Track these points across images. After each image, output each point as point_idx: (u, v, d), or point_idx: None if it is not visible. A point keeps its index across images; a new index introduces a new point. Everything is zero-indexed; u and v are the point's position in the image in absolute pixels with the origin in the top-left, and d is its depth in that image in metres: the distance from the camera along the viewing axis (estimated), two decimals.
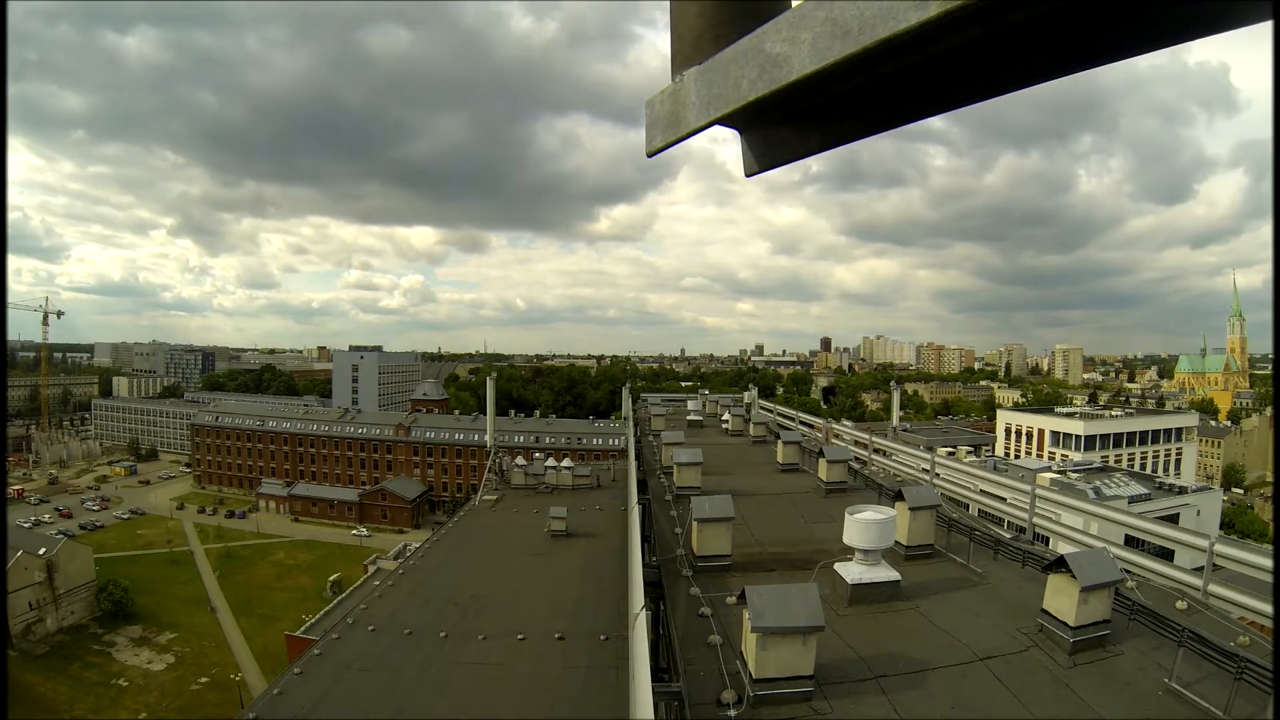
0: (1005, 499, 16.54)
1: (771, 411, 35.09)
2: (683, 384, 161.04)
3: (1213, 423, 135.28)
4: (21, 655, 52.43)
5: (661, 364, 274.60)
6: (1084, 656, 8.57)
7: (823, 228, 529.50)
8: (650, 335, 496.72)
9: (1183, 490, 51.28)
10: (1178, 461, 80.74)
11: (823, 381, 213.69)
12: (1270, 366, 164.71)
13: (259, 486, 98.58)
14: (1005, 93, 1.33)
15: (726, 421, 30.63)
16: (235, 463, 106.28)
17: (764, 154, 1.76)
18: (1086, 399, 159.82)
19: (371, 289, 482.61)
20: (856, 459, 21.43)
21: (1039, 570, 10.33)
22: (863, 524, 10.46)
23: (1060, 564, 8.91)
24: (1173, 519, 38.26)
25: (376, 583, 24.26)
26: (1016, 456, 77.73)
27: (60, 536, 64.22)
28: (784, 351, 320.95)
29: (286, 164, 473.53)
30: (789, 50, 1.21)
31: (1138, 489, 48.90)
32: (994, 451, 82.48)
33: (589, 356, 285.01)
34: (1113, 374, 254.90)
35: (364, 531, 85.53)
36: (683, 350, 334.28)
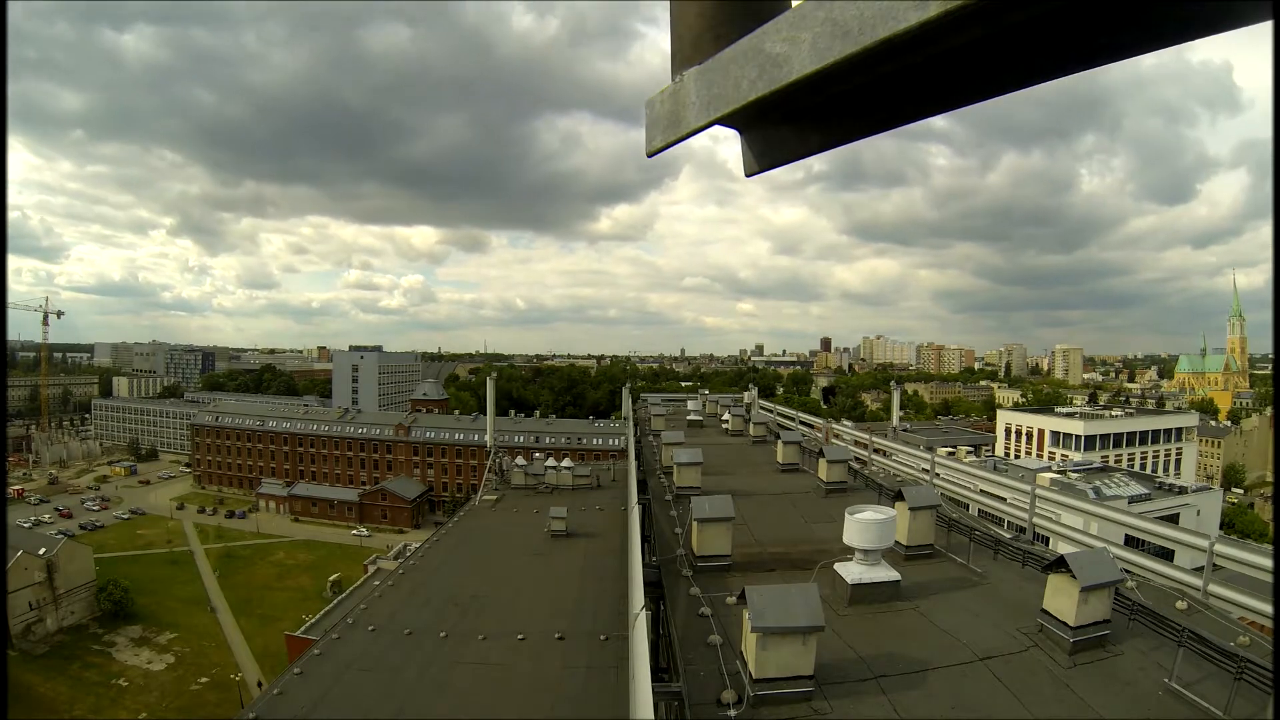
0: (1005, 499, 16.54)
1: (771, 411, 35.09)
2: (683, 384, 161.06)
3: (1213, 423, 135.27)
4: (21, 655, 52.43)
5: (661, 364, 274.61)
6: (1084, 656, 8.57)
7: (824, 227, 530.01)
8: (650, 335, 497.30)
9: (1183, 490, 51.30)
10: (1178, 461, 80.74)
11: (823, 381, 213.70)
12: (1270, 366, 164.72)
13: (259, 486, 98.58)
14: (1005, 93, 1.33)
15: (726, 421, 30.63)
16: (235, 463, 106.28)
17: (764, 154, 1.76)
18: (1086, 399, 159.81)
19: (371, 289, 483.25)
20: (856, 459, 21.43)
21: (1039, 570, 10.33)
22: (863, 524, 10.46)
23: (1060, 564, 8.91)
24: (1173, 519, 38.26)
25: (376, 583, 24.26)
26: (1016, 456, 77.73)
27: (60, 536, 64.22)
28: (784, 351, 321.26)
29: (286, 163, 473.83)
30: (789, 50, 1.21)
31: (1138, 489, 48.90)
32: (994, 451, 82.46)
33: (589, 356, 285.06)
34: (1113, 374, 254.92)
35: (364, 531, 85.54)
36: (683, 350, 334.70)
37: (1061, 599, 8.88)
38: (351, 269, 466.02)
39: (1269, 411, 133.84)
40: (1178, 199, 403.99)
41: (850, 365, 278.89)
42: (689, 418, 33.37)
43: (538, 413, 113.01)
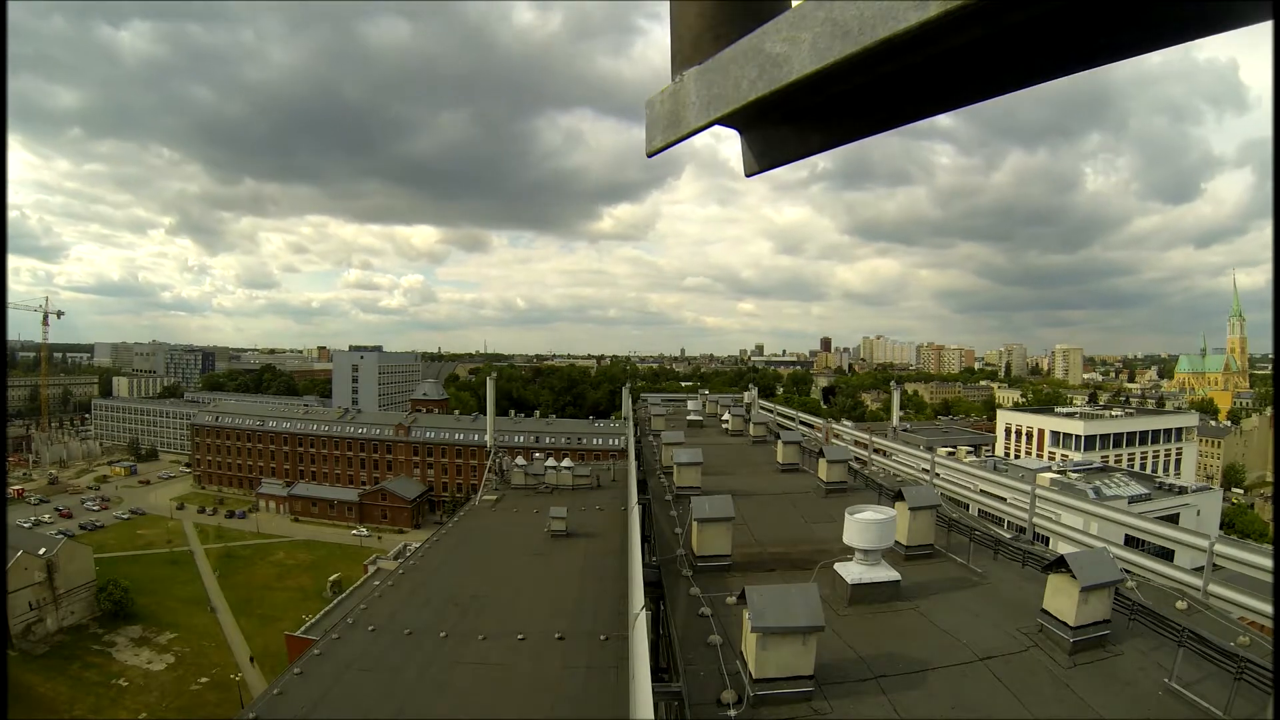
0: (1005, 499, 16.53)
1: (771, 411, 35.09)
2: (683, 384, 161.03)
3: (1213, 423, 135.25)
4: (21, 655, 52.43)
5: (661, 364, 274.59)
6: (1084, 656, 8.57)
7: (826, 226, 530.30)
8: (651, 335, 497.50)
9: (1183, 490, 51.28)
10: (1178, 461, 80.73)
11: (823, 381, 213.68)
12: (1270, 366, 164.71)
13: (259, 486, 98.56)
14: (1005, 93, 1.33)
15: (726, 421, 30.62)
16: (235, 463, 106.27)
17: (764, 154, 1.76)
18: (1086, 399, 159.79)
19: (371, 289, 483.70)
20: (856, 459, 21.43)
21: (1039, 570, 10.34)
22: (863, 524, 10.46)
23: (1060, 564, 8.91)
24: (1173, 519, 38.26)
25: (376, 583, 24.26)
26: (1016, 456, 77.71)
27: (60, 536, 64.20)
28: (784, 351, 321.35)
29: (286, 161, 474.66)
30: (789, 50, 1.20)
31: (1138, 489, 48.89)
32: (994, 451, 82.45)
33: (589, 356, 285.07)
34: (1113, 374, 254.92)
35: (364, 531, 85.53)
36: (683, 350, 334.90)
37: (1061, 599, 8.88)
38: (351, 269, 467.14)
39: (1269, 411, 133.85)
40: (1182, 198, 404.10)
41: (850, 365, 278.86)
42: (689, 418, 33.37)
43: (538, 413, 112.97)
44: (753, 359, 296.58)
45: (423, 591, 14.35)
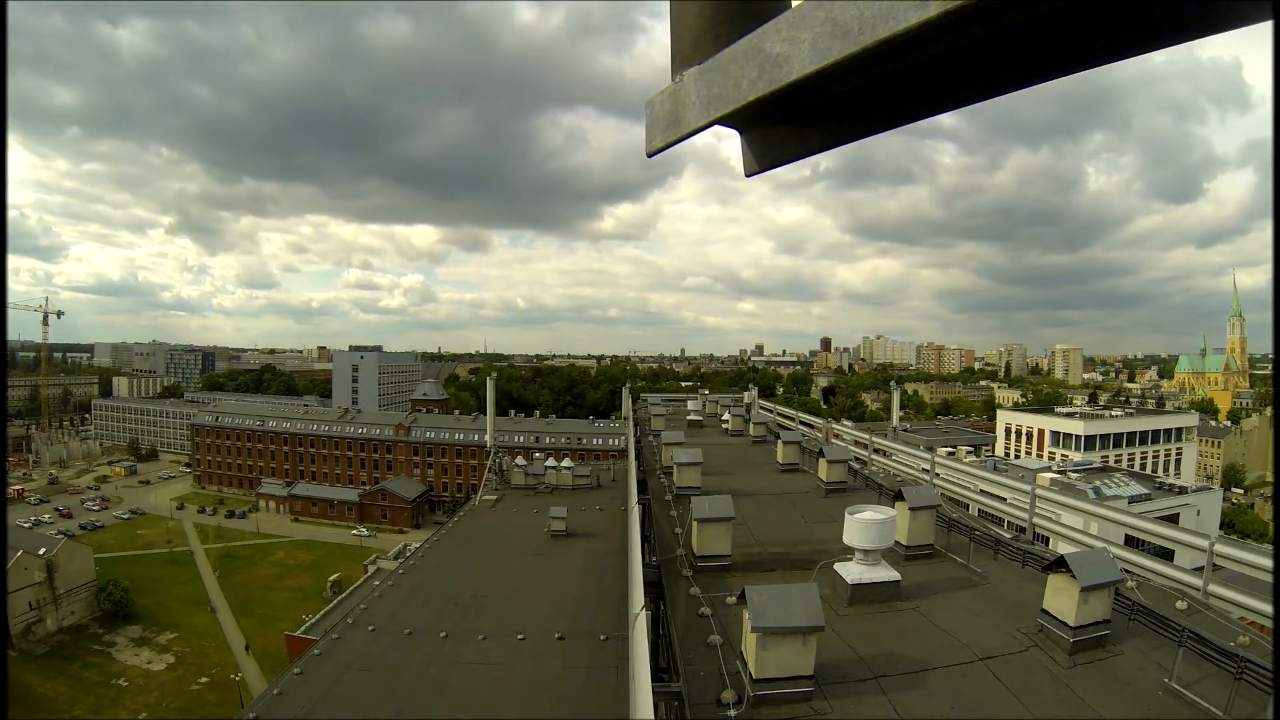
0: (1005, 499, 16.53)
1: (771, 411, 35.09)
2: (683, 384, 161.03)
3: (1213, 423, 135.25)
4: (21, 655, 52.42)
5: (661, 364, 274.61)
6: (1084, 656, 8.57)
7: (828, 226, 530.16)
8: (651, 335, 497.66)
9: (1183, 490, 51.28)
10: (1178, 461, 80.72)
11: (823, 381, 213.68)
12: (1270, 366, 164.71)
13: (259, 486, 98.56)
14: (1005, 92, 1.33)
15: (726, 421, 30.62)
16: (235, 463, 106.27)
17: (764, 154, 1.76)
18: (1086, 399, 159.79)
19: (371, 289, 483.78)
20: (856, 459, 21.43)
21: (1039, 570, 10.34)
22: (863, 524, 10.46)
23: (1060, 564, 8.91)
24: (1173, 519, 38.27)
25: (376, 583, 24.26)
26: (1016, 456, 77.71)
27: (60, 536, 64.19)
28: (784, 351, 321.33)
29: (286, 161, 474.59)
30: (789, 50, 1.20)
31: (1138, 489, 48.89)
32: (994, 451, 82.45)
33: (589, 356, 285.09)
34: (1113, 374, 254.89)
35: (364, 531, 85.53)
36: (683, 350, 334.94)
37: (1061, 599, 8.88)
38: (351, 268, 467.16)
39: (1269, 411, 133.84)
40: (1185, 198, 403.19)
41: (850, 365, 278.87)
42: (689, 418, 33.37)
43: (538, 413, 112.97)
44: (753, 359, 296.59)
45: (423, 591, 14.35)
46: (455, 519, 22.47)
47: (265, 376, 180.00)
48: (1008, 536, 13.43)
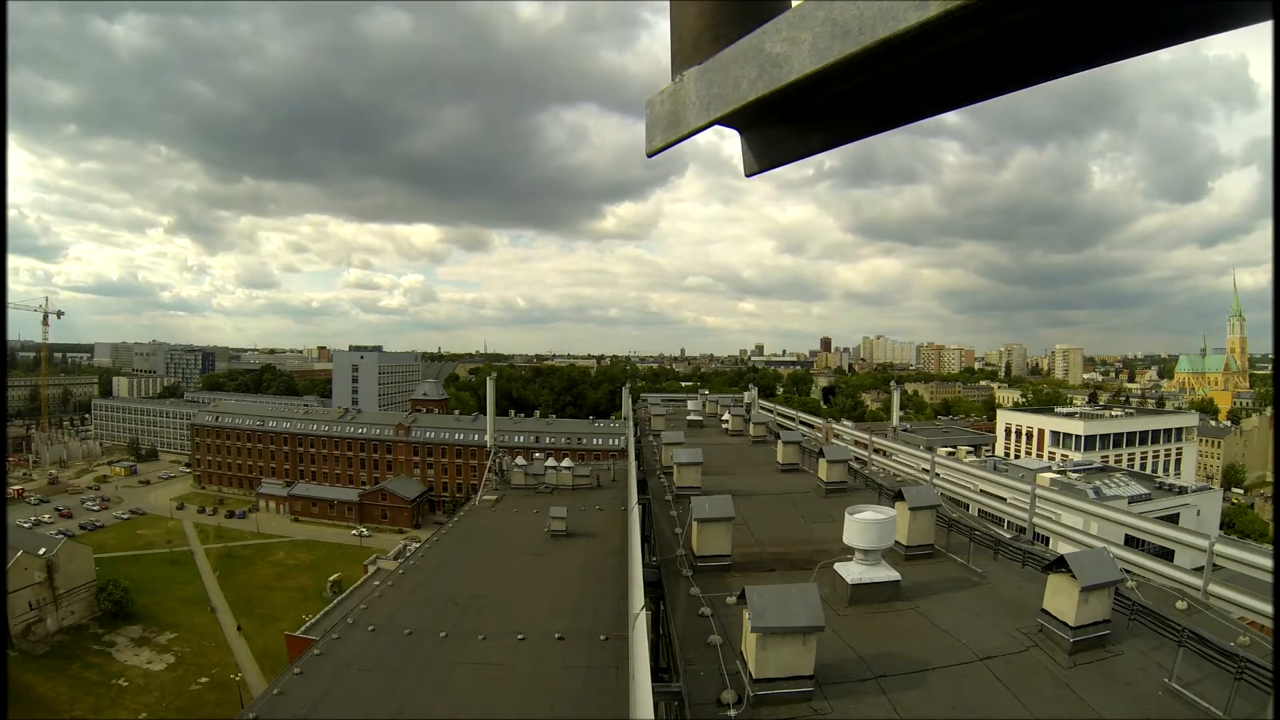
0: (1005, 499, 16.54)
1: (771, 411, 35.09)
2: (683, 384, 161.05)
3: (1213, 423, 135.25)
4: (21, 655, 52.43)
5: (661, 364, 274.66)
6: (1084, 656, 8.57)
7: (830, 225, 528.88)
8: (651, 335, 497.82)
9: (1183, 490, 51.29)
10: (1178, 461, 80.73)
11: (823, 381, 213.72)
12: (1270, 366, 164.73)
13: (259, 486, 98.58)
14: (1005, 92, 1.33)
15: (726, 421, 30.63)
16: (235, 463, 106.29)
17: (764, 154, 1.76)
18: (1086, 399, 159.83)
19: (371, 288, 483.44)
20: (856, 459, 21.43)
21: (1039, 570, 10.34)
22: (863, 524, 10.46)
23: (1060, 564, 8.91)
24: (1173, 519, 38.27)
25: (376, 583, 24.27)
26: (1016, 456, 77.72)
27: (60, 536, 64.21)
28: (784, 351, 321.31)
29: (285, 159, 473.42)
30: (789, 50, 1.21)
31: (1138, 489, 48.90)
32: (994, 451, 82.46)
33: (589, 356, 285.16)
34: (1113, 374, 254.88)
35: (364, 531, 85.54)
36: (683, 350, 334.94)
37: (1061, 599, 8.88)
38: (351, 268, 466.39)
39: (1269, 411, 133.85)
40: (1189, 197, 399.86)
41: (850, 365, 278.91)
42: (689, 418, 33.37)
43: (538, 413, 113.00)
44: (753, 359, 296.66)
45: (423, 591, 14.35)
46: (455, 519, 22.48)
47: (265, 376, 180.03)
48: (1008, 536, 13.43)
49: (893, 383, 38.25)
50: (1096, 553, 9.51)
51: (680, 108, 1.54)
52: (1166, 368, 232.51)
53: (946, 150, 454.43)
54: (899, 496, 12.76)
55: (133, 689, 50.30)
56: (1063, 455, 72.42)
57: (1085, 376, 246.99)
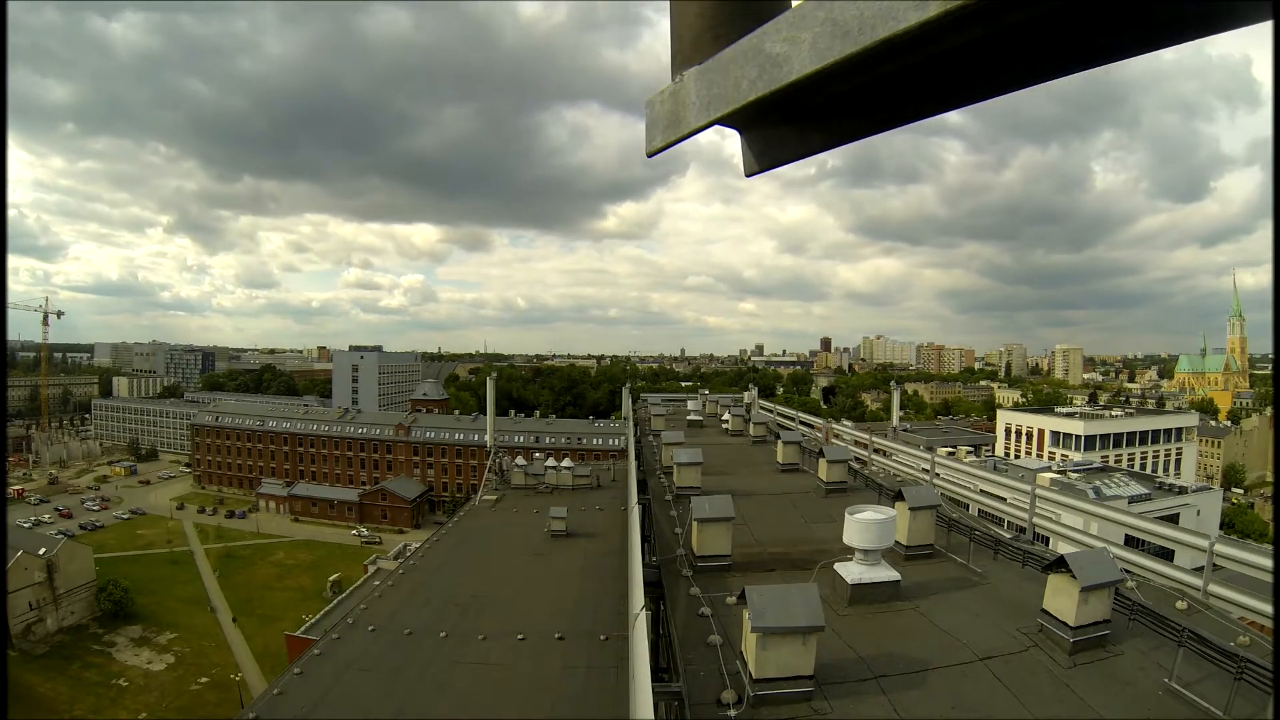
0: (1005, 499, 16.54)
1: (771, 411, 35.10)
2: (683, 384, 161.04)
3: (1213, 423, 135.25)
4: (21, 655, 52.43)
5: (661, 364, 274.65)
6: (1084, 656, 8.57)
7: (831, 225, 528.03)
8: (651, 335, 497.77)
9: (1183, 490, 51.29)
10: (1178, 461, 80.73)
11: (823, 381, 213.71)
12: (1270, 366, 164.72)
13: (259, 486, 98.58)
14: (1005, 92, 1.33)
15: (726, 421, 30.63)
16: (235, 463, 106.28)
17: (764, 154, 1.76)
18: (1086, 399, 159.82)
19: (372, 288, 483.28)
20: (856, 459, 21.43)
21: (1039, 570, 10.34)
22: (863, 524, 10.46)
23: (1060, 564, 8.91)
24: (1173, 519, 38.27)
25: (376, 583, 24.27)
26: (1016, 456, 77.72)
27: (60, 536, 64.21)
28: (784, 351, 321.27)
29: (285, 158, 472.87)
30: (789, 50, 1.21)
31: (1138, 489, 48.90)
32: (994, 451, 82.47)
33: (589, 356, 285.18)
34: (1113, 374, 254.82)
35: (364, 531, 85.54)
36: (683, 350, 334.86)
37: (1061, 599, 8.88)
38: (351, 268, 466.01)
39: (1269, 411, 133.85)
40: (1191, 197, 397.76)
41: (850, 365, 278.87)
42: (689, 418, 33.37)
43: (538, 413, 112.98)
44: (753, 359, 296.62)
45: (423, 591, 14.35)
46: (455, 519, 22.48)
47: (265, 376, 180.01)
48: (1008, 536, 13.43)
49: (893, 383, 38.25)
50: (1096, 553, 9.51)
51: (680, 108, 1.54)
52: (1166, 368, 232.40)
53: (949, 149, 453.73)
54: (899, 496, 12.76)
55: (133, 689, 50.30)
56: (1063, 455, 72.42)
57: (1085, 376, 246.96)
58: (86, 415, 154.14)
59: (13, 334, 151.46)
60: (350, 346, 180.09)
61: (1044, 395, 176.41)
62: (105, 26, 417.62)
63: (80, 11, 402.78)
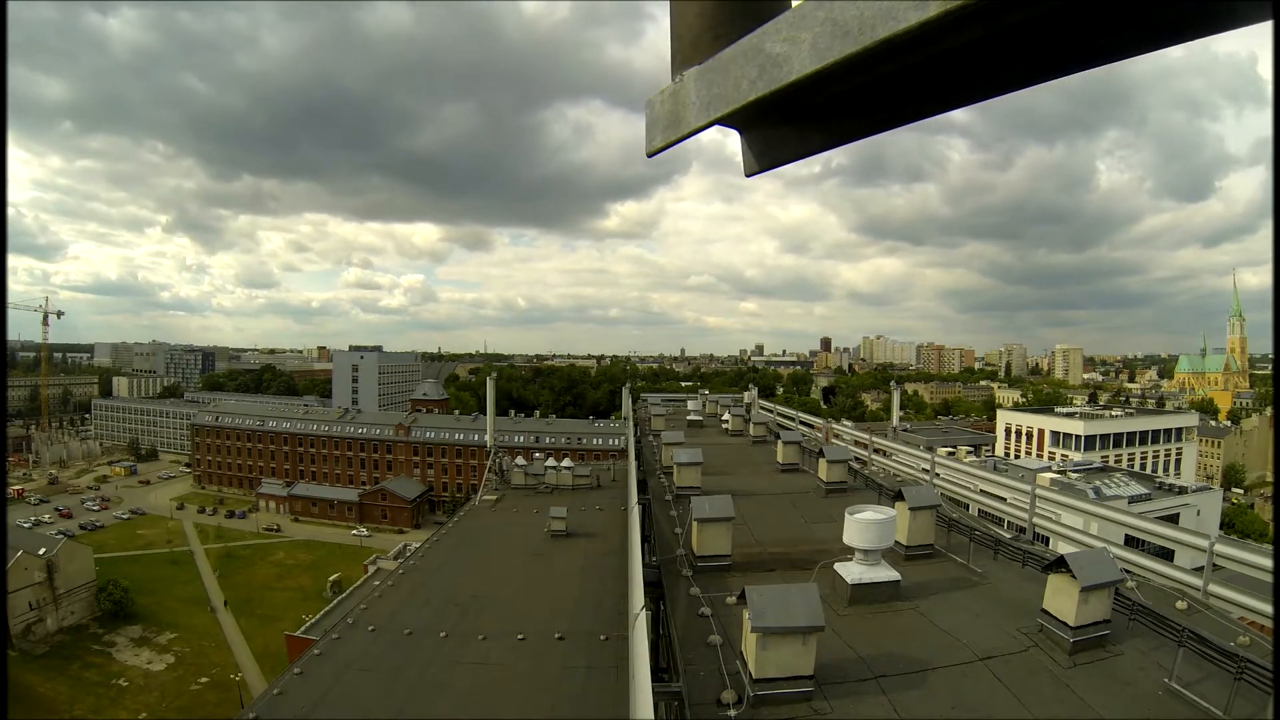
0: (1005, 499, 16.54)
1: (771, 411, 35.10)
2: (683, 384, 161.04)
3: (1213, 423, 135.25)
4: (21, 655, 52.43)
5: (661, 364, 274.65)
6: (1084, 656, 8.57)
7: (833, 224, 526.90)
8: (651, 335, 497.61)
9: (1183, 490, 51.28)
10: (1178, 461, 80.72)
11: (823, 381, 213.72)
12: (1270, 366, 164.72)
13: (259, 486, 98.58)
14: (1005, 93, 1.33)
15: (726, 421, 30.63)
16: (235, 463, 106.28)
17: (764, 154, 1.76)
18: (1086, 399, 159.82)
19: (372, 288, 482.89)
20: (856, 459, 21.43)
21: (1039, 570, 10.34)
22: (863, 524, 10.46)
23: (1060, 564, 8.91)
24: (1173, 519, 38.27)
25: (376, 583, 24.27)
26: (1016, 456, 77.72)
27: (60, 536, 64.21)
28: (784, 351, 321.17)
29: (284, 157, 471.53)
30: (789, 50, 1.20)
31: (1138, 489, 48.90)
32: (994, 451, 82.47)
33: (589, 356, 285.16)
34: (1113, 374, 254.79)
35: (364, 531, 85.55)
36: (683, 350, 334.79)
37: (1061, 599, 8.88)
38: (351, 267, 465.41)
39: (1269, 411, 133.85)
40: (1196, 196, 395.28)
41: (850, 365, 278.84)
42: (689, 418, 33.37)
43: (538, 413, 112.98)
44: (753, 359, 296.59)
45: (423, 591, 14.35)
46: (455, 519, 22.48)
47: (265, 376, 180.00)
48: (1008, 536, 13.43)
49: (893, 383, 38.25)
50: (1096, 553, 9.51)
51: (680, 108, 1.54)
52: (1166, 368, 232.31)
53: (954, 148, 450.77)
54: (899, 496, 12.76)
55: (133, 689, 50.29)
56: (1063, 455, 72.41)
57: (1085, 376, 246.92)
58: (86, 415, 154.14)
59: (13, 334, 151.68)
60: (350, 346, 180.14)
61: (1044, 395, 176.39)
62: (102, 22, 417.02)
63: (76, 7, 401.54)
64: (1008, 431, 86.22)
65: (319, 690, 9.86)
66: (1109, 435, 75.63)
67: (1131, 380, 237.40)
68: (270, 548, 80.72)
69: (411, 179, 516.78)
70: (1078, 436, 73.94)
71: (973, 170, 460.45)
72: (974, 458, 58.88)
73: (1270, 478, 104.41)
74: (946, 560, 12.38)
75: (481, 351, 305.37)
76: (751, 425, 28.54)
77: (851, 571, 10.55)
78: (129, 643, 57.26)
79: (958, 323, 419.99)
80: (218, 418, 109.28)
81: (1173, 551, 13.29)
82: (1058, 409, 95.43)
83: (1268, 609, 9.32)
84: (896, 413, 33.61)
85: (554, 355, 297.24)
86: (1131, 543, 14.96)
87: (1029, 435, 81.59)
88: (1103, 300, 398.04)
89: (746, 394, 38.41)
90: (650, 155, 1.69)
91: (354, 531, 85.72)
